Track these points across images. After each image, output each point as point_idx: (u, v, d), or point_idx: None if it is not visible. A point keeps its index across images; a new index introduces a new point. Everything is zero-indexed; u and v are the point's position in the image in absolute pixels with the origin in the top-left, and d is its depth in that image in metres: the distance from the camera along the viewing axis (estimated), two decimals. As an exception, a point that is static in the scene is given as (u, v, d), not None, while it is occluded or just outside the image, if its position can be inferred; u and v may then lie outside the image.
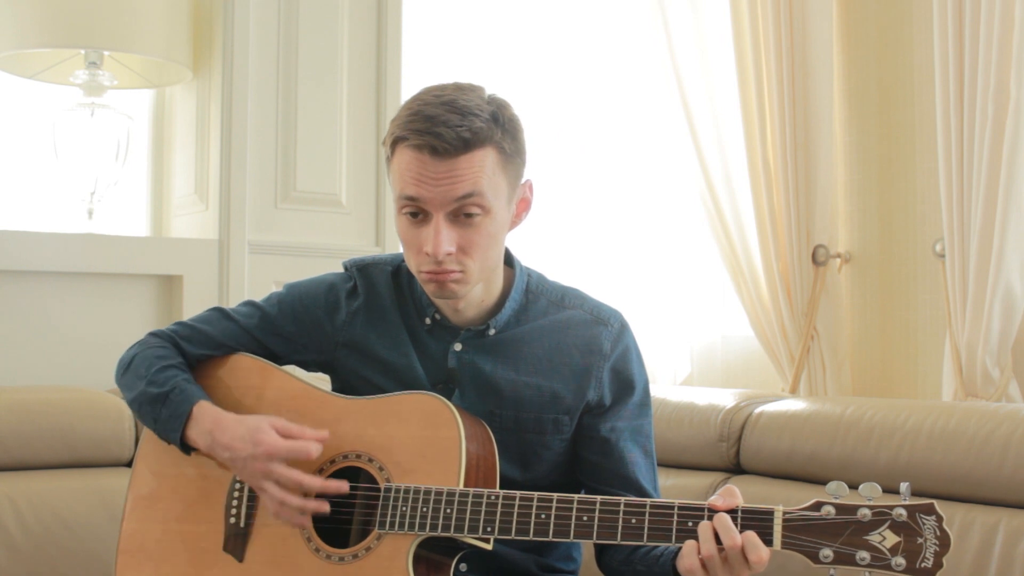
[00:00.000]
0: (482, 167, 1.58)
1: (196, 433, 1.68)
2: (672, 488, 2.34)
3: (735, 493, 1.47)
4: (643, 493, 1.73)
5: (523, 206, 1.71)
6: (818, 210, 3.10)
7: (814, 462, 2.19)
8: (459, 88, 1.63)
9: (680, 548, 1.47)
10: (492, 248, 1.64)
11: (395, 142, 1.62)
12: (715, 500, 1.47)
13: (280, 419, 1.66)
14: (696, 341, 3.46)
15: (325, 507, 1.61)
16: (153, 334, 1.83)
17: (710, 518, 1.45)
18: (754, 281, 3.18)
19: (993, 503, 1.96)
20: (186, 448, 1.71)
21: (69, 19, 2.69)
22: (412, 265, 1.66)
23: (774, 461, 2.28)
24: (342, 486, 1.61)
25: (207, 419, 1.67)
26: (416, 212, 1.61)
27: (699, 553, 1.44)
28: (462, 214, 1.59)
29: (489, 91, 1.67)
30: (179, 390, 1.71)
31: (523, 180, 1.70)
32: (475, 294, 1.71)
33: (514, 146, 1.64)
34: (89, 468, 2.33)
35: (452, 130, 1.56)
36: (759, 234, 3.15)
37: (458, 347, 1.74)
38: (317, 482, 1.61)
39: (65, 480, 2.28)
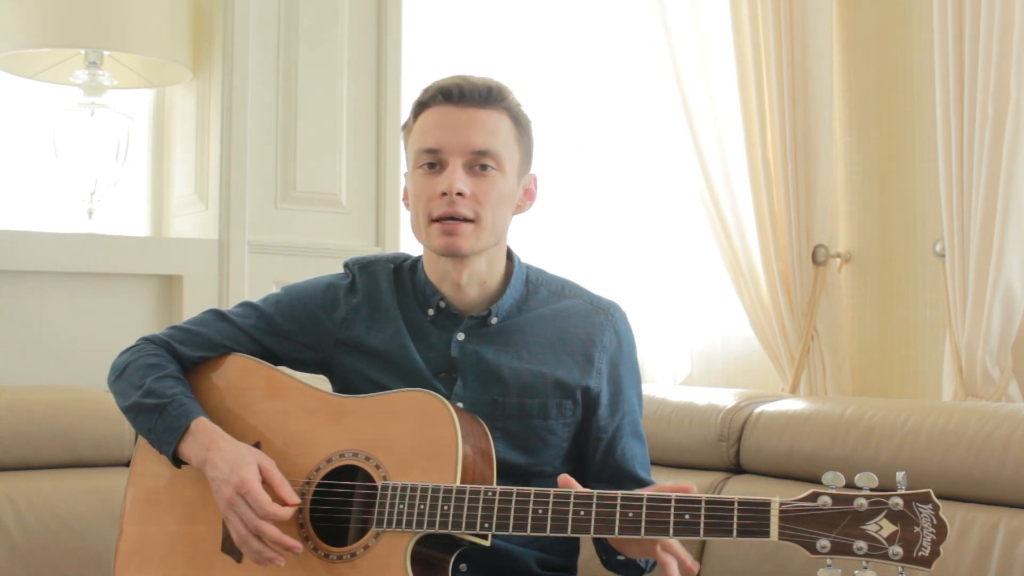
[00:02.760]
0: (498, 127, 1.69)
1: (190, 449, 1.68)
2: (672, 488, 2.33)
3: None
4: (640, 482, 1.77)
5: (528, 196, 1.79)
6: (818, 210, 3.09)
7: (814, 462, 2.19)
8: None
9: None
10: (501, 207, 1.70)
11: (419, 108, 1.72)
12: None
13: (270, 461, 1.65)
14: (696, 341, 3.46)
15: (281, 560, 1.60)
16: (147, 339, 1.82)
17: (708, 509, 1.46)
18: (754, 281, 3.18)
19: (993, 503, 1.96)
20: (177, 461, 1.71)
21: (69, 19, 2.70)
22: (422, 218, 1.69)
23: (774, 461, 2.28)
24: (295, 545, 1.59)
25: (205, 436, 1.67)
26: (433, 164, 1.69)
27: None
28: (477, 166, 1.67)
29: None
30: (177, 403, 1.70)
31: (531, 171, 1.79)
32: (479, 267, 1.73)
33: (528, 133, 1.76)
34: (89, 468, 2.33)
35: (477, 82, 1.70)
36: (759, 234, 3.15)
37: (461, 336, 1.75)
38: (274, 533, 1.59)
39: (65, 480, 2.29)
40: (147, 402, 1.71)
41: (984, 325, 2.64)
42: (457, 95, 1.68)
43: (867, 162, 3.16)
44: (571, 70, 3.56)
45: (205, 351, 1.81)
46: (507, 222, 1.75)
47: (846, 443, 2.14)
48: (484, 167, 1.68)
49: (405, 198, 1.77)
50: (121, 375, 1.78)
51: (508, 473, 1.66)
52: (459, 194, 1.65)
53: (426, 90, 1.73)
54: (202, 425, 1.68)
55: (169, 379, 1.74)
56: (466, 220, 1.67)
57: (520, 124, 1.73)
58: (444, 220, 1.66)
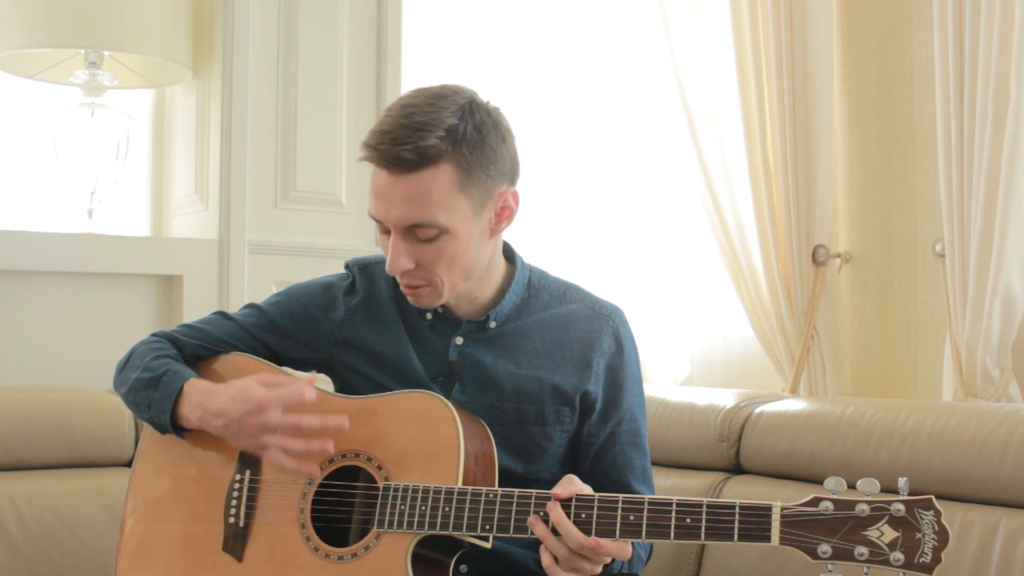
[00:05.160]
0: (430, 190, 1.57)
1: (188, 409, 1.68)
2: (672, 488, 2.34)
3: (573, 481, 1.53)
4: (633, 493, 1.74)
5: (505, 214, 1.68)
6: (818, 210, 3.09)
7: (814, 462, 2.19)
8: (434, 96, 1.61)
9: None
10: (459, 262, 1.64)
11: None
12: (557, 490, 1.52)
13: (266, 374, 1.66)
14: (696, 341, 3.46)
15: (329, 446, 1.60)
16: (154, 334, 1.84)
17: (709, 513, 1.45)
18: (754, 281, 3.18)
19: (993, 503, 1.96)
20: (179, 430, 1.71)
21: (69, 19, 2.70)
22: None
23: (774, 461, 2.28)
24: (342, 422, 1.61)
25: (197, 393, 1.68)
26: (384, 225, 1.64)
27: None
28: (418, 233, 1.61)
29: (481, 96, 1.65)
30: (171, 372, 1.71)
31: (503, 189, 1.66)
32: (462, 292, 1.72)
33: (480, 159, 1.60)
34: (89, 468, 2.33)
35: (397, 148, 1.56)
36: (759, 234, 3.15)
37: (459, 340, 1.75)
38: (315, 420, 1.60)
39: (65, 480, 2.29)
40: (144, 376, 1.73)
41: (984, 325, 2.64)
42: (382, 163, 1.58)
43: (867, 162, 3.16)
44: (571, 70, 3.56)
45: (208, 344, 1.82)
46: (480, 256, 1.68)
47: (846, 443, 2.14)
48: (427, 237, 1.61)
49: None
50: (124, 367, 1.81)
51: (505, 480, 1.65)
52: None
53: (367, 137, 1.61)
54: (194, 384, 1.69)
55: (166, 357, 1.76)
56: (422, 284, 1.66)
57: (464, 167, 1.58)
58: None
